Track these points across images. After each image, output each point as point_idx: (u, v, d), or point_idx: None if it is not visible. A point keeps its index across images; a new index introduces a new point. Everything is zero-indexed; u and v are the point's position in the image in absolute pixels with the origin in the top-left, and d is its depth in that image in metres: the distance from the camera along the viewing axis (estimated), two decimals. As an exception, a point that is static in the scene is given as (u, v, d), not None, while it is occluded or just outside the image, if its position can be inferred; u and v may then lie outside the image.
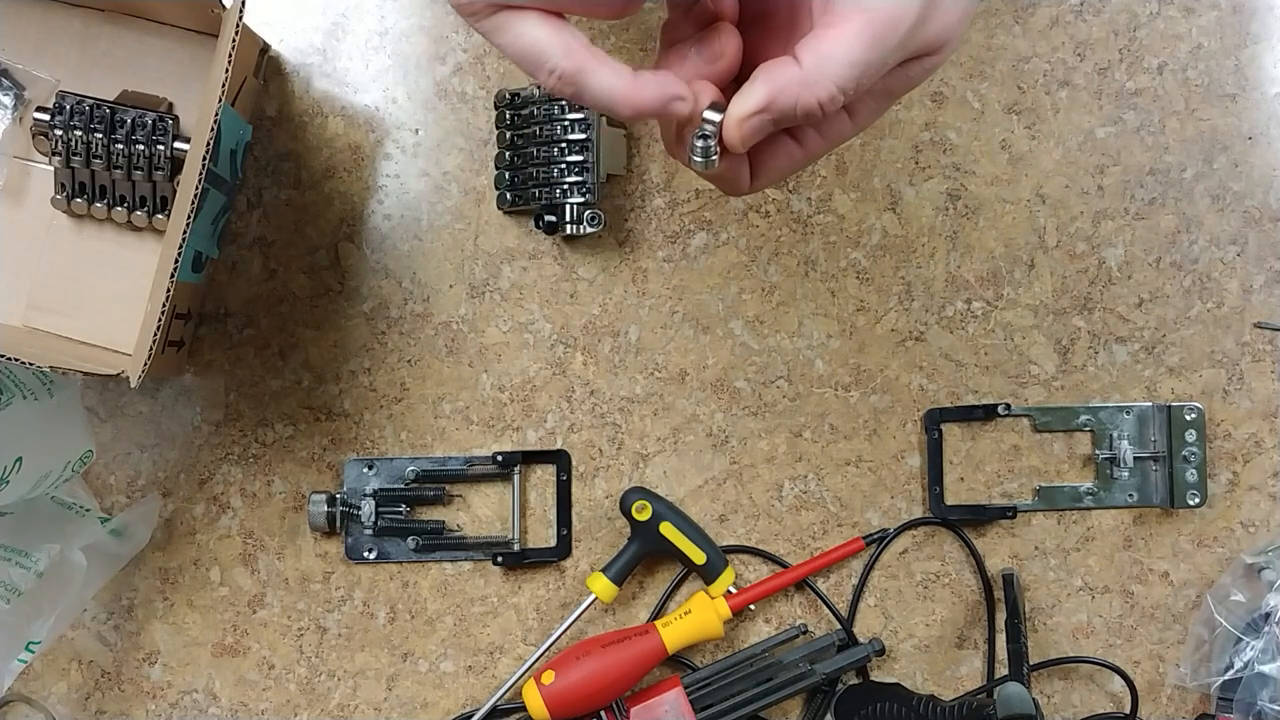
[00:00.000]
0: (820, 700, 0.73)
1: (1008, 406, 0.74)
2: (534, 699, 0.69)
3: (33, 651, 0.67)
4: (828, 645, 0.72)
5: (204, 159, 0.60)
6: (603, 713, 0.70)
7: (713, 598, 0.72)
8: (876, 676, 0.74)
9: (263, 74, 0.74)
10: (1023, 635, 0.70)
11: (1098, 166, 0.75)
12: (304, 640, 0.74)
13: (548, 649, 0.71)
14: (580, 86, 0.43)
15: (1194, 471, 0.73)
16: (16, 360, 0.59)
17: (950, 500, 0.74)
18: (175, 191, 0.66)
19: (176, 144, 0.68)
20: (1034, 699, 0.63)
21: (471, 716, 0.72)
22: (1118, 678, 0.73)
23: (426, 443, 0.74)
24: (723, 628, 0.71)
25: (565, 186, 0.70)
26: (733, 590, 0.72)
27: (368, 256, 0.75)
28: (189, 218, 0.60)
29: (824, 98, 0.43)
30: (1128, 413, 0.74)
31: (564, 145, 0.70)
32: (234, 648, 0.74)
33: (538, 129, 0.71)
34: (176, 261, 0.60)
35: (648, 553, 0.72)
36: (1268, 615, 0.69)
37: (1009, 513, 0.74)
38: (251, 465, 0.74)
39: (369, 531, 0.73)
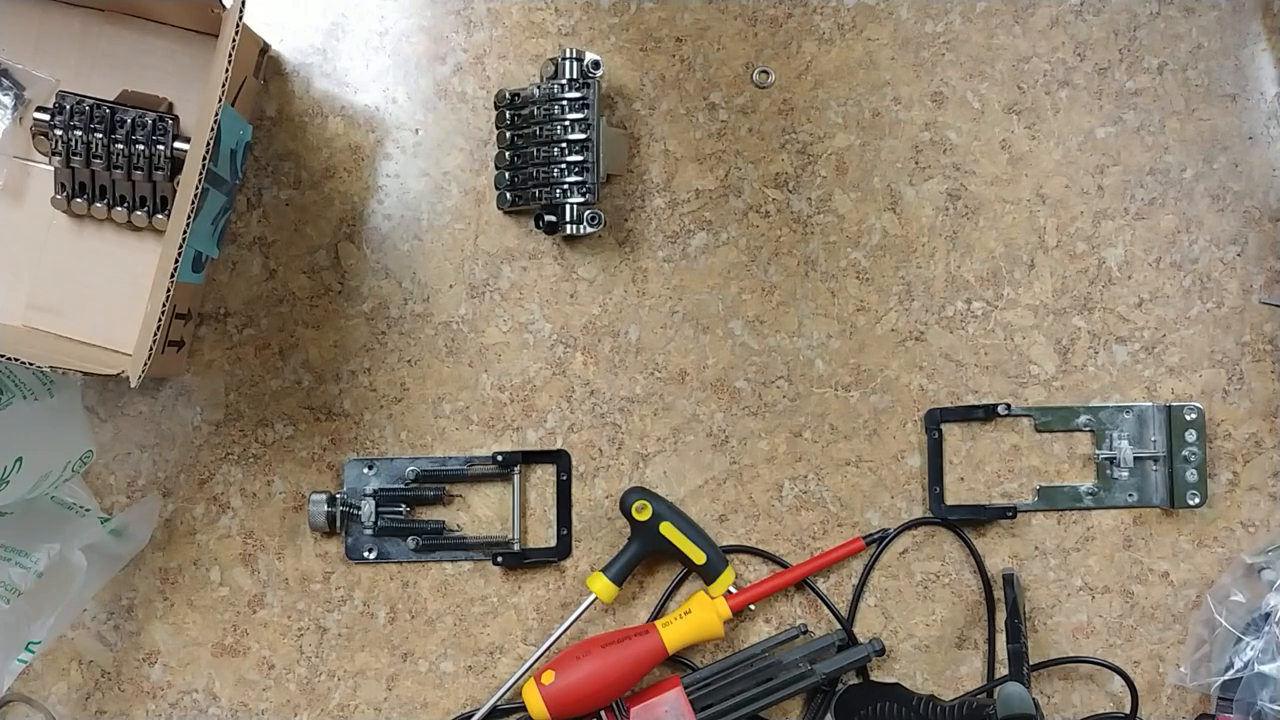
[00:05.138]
0: (820, 700, 0.73)
1: (1008, 406, 0.74)
2: (534, 699, 0.69)
3: (33, 651, 0.67)
4: (828, 645, 0.72)
5: (204, 159, 0.60)
6: (603, 713, 0.70)
7: (713, 598, 0.72)
8: (876, 676, 0.74)
9: (263, 74, 0.74)
10: (1023, 635, 0.70)
11: (1098, 166, 0.75)
12: (304, 640, 0.74)
13: (548, 649, 0.71)
14: None
15: (1194, 471, 0.73)
16: (16, 360, 0.59)
17: (950, 500, 0.74)
18: (175, 191, 0.66)
19: (176, 144, 0.69)
20: (1034, 699, 0.63)
21: (471, 716, 0.72)
22: (1118, 678, 0.73)
23: (426, 443, 0.74)
24: (723, 628, 0.71)
25: (565, 186, 0.70)
26: (733, 590, 0.72)
27: (368, 256, 0.75)
28: (189, 218, 0.60)
29: None
30: (1128, 413, 0.74)
31: (564, 145, 0.70)
32: (234, 648, 0.74)
33: (538, 129, 0.71)
34: (176, 261, 0.60)
35: (648, 553, 0.72)
36: (1268, 615, 0.69)
37: (1009, 513, 0.74)
38: (251, 465, 0.74)
39: (369, 531, 0.73)
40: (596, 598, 0.71)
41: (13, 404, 0.66)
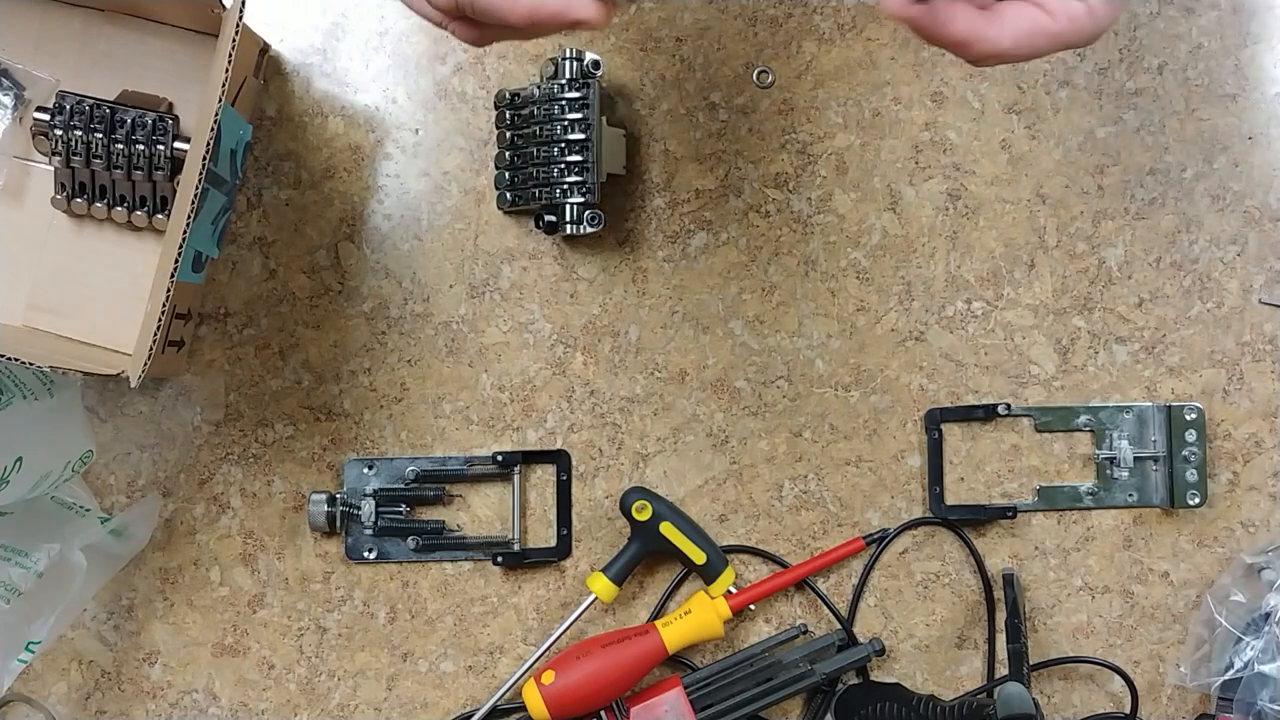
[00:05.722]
0: (820, 700, 0.73)
1: (1008, 406, 0.74)
2: (534, 699, 0.69)
3: (33, 651, 0.67)
4: (828, 645, 0.72)
5: (204, 159, 0.60)
6: (603, 713, 0.70)
7: (713, 598, 0.72)
8: (876, 676, 0.74)
9: (263, 74, 0.74)
10: (1023, 635, 0.70)
11: (1098, 166, 0.75)
12: (304, 640, 0.74)
13: (548, 649, 0.71)
14: None
15: (1194, 471, 0.73)
16: (16, 360, 0.59)
17: (950, 500, 0.74)
18: (175, 191, 0.66)
19: (176, 144, 0.69)
20: (1034, 699, 0.63)
21: (471, 716, 0.72)
22: (1118, 678, 0.73)
23: (426, 443, 0.74)
24: (723, 628, 0.71)
25: (565, 186, 0.70)
26: (733, 590, 0.72)
27: (368, 256, 0.75)
28: (189, 218, 0.60)
29: None
30: (1128, 413, 0.74)
31: (564, 145, 0.70)
32: (234, 648, 0.74)
33: (538, 129, 0.71)
34: (176, 261, 0.60)
35: (648, 553, 0.72)
36: (1268, 615, 0.69)
37: (1009, 513, 0.74)
38: (251, 465, 0.74)
39: (369, 531, 0.73)
40: (596, 598, 0.71)
41: (13, 404, 0.66)
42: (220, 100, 0.60)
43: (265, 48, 0.74)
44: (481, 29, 0.52)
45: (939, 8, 0.48)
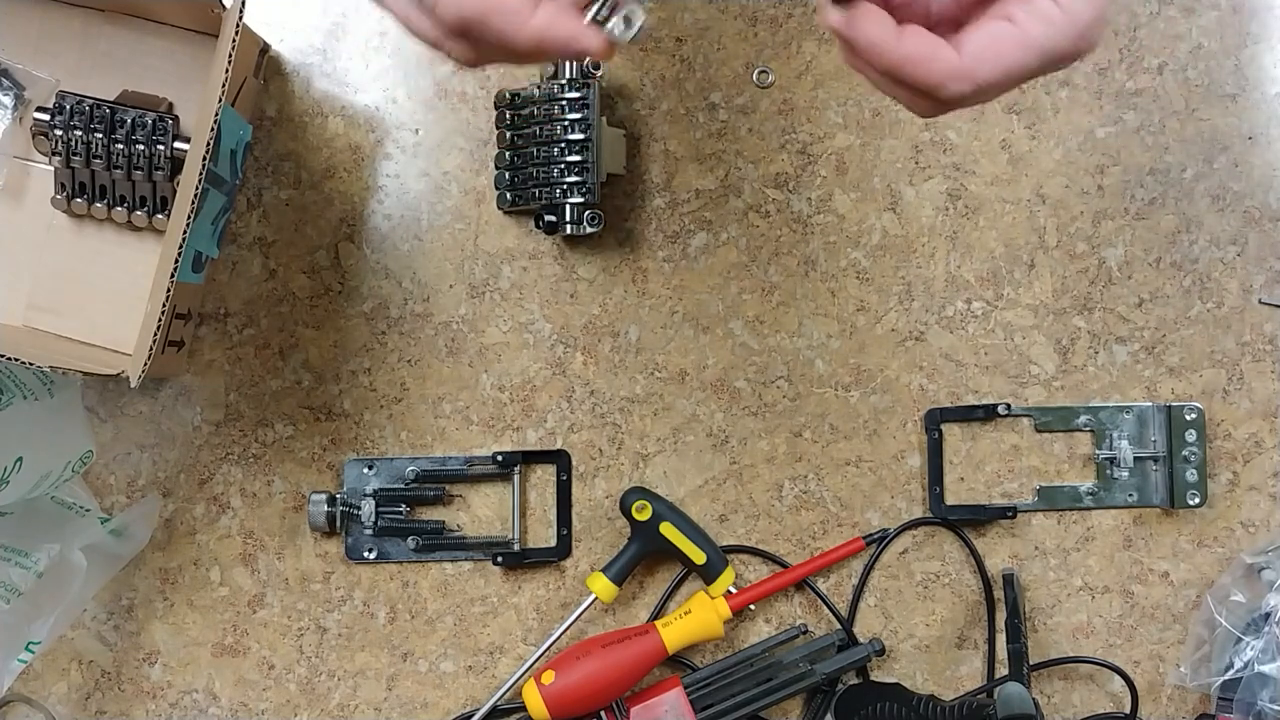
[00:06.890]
0: (820, 700, 0.73)
1: (1008, 406, 0.74)
2: (534, 699, 0.69)
3: (33, 651, 0.67)
4: (828, 645, 0.72)
5: (204, 159, 0.60)
6: (603, 713, 0.70)
7: (713, 598, 0.72)
8: (876, 676, 0.74)
9: (263, 74, 0.74)
10: (1023, 635, 0.70)
11: (1098, 166, 0.75)
12: (304, 640, 0.74)
13: (548, 649, 0.71)
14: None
15: (1194, 471, 0.73)
16: (16, 360, 0.59)
17: (950, 500, 0.74)
18: (175, 191, 0.66)
19: (176, 144, 0.69)
20: (1034, 699, 0.63)
21: (471, 716, 0.72)
22: (1118, 678, 0.73)
23: (426, 443, 0.74)
24: (723, 628, 0.71)
25: (565, 186, 0.70)
26: (733, 590, 0.72)
27: (368, 256, 0.75)
28: (189, 218, 0.60)
29: None
30: (1128, 413, 0.74)
31: (564, 145, 0.70)
32: (234, 648, 0.74)
33: (538, 129, 0.71)
34: (176, 261, 0.60)
35: (648, 553, 0.72)
36: (1268, 615, 0.69)
37: (1009, 513, 0.74)
38: (251, 465, 0.74)
39: (369, 531, 0.73)
40: (596, 598, 0.71)
41: (13, 404, 0.66)
42: (220, 100, 0.60)
43: (265, 48, 0.74)
44: (480, 50, 0.49)
45: (887, 30, 0.40)
